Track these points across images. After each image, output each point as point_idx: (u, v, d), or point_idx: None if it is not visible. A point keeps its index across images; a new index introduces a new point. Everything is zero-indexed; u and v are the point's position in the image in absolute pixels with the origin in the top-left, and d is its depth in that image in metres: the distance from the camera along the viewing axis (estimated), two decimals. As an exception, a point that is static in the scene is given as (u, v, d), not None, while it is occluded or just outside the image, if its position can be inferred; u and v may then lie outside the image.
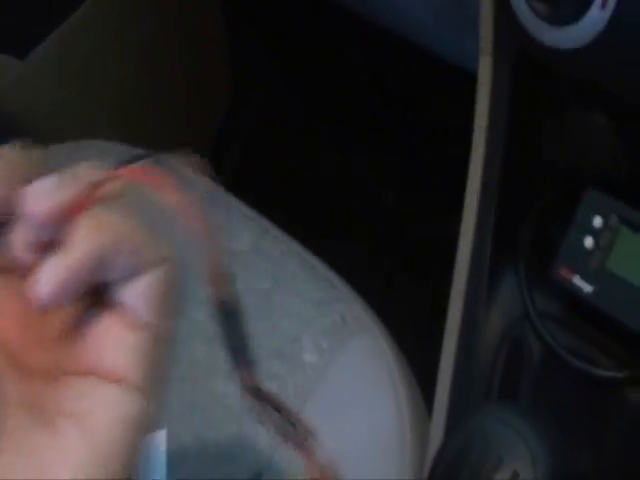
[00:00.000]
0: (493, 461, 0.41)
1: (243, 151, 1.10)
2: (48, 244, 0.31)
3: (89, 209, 0.32)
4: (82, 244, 0.32)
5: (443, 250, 0.67)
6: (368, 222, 1.03)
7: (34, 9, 0.87)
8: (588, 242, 0.52)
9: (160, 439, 0.64)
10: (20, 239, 0.31)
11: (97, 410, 0.33)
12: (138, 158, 0.34)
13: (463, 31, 0.65)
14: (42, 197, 0.31)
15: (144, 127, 0.98)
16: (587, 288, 0.52)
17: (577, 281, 0.52)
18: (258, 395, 0.39)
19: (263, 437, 0.61)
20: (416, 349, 0.65)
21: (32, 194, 0.31)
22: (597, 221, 0.52)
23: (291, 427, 0.39)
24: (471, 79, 0.63)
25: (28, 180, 0.32)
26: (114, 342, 0.33)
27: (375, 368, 0.62)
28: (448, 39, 0.72)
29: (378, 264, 0.97)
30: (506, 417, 0.42)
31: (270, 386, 0.63)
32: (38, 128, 0.92)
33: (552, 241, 0.55)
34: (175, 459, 0.63)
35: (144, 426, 0.34)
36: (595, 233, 0.52)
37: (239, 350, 0.40)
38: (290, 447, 0.37)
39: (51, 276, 0.31)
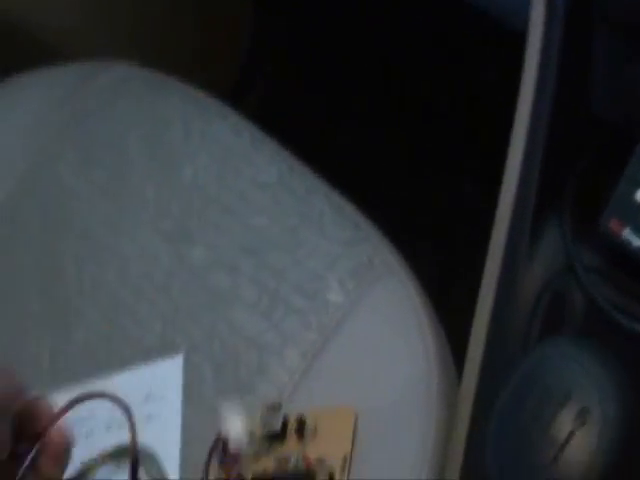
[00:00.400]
0: (560, 398, 0.40)
1: (266, 89, 1.08)
2: None
3: None
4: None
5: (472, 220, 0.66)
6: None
7: None
8: (640, 195, 0.51)
9: (177, 364, 0.63)
10: None
11: None
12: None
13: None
14: None
15: (163, 53, 0.96)
16: (637, 242, 0.50)
17: (626, 234, 0.51)
18: None
19: (284, 370, 0.60)
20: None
21: None
22: (650, 174, 0.51)
23: None
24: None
25: None
26: None
27: (403, 313, 0.60)
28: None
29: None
30: (571, 351, 0.41)
31: (292, 321, 0.62)
32: (57, 44, 0.90)
33: (599, 193, 0.54)
34: (192, 387, 0.62)
35: None
36: (648, 186, 0.51)
37: None
38: None
39: None
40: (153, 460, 0.60)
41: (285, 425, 0.57)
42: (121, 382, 0.63)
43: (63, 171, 0.74)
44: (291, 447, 0.57)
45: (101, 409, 0.63)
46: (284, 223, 0.67)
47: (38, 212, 0.74)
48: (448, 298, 0.70)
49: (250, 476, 0.56)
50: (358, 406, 0.57)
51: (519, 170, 0.57)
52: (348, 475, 0.54)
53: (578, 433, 0.40)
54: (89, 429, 0.63)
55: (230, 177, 0.70)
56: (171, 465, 0.59)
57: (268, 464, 0.56)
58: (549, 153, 0.56)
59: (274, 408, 0.58)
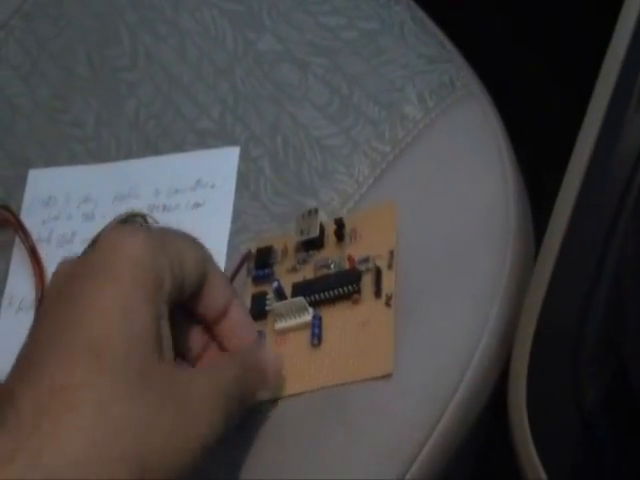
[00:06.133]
0: None
1: None
2: None
3: None
4: None
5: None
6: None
7: None
8: None
9: (233, 154, 0.57)
10: None
11: None
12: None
13: None
14: None
15: None
16: None
17: None
18: None
19: (350, 179, 0.54)
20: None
21: None
22: None
23: None
24: None
25: None
26: None
27: (483, 139, 0.54)
28: None
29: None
30: None
31: (363, 129, 0.56)
32: None
33: None
34: (248, 181, 0.56)
35: None
36: None
37: None
38: None
39: None
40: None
41: (322, 232, 0.51)
42: (171, 163, 0.57)
43: None
44: (331, 252, 0.51)
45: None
46: (362, 27, 0.60)
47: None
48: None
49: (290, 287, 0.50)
50: (428, 225, 0.51)
51: None
52: (396, 270, 0.49)
53: None
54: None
55: (305, -29, 0.63)
56: (219, 252, 0.53)
57: (308, 274, 0.51)
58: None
59: (310, 214, 0.51)
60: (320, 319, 0.49)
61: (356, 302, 0.49)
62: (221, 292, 0.45)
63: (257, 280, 0.52)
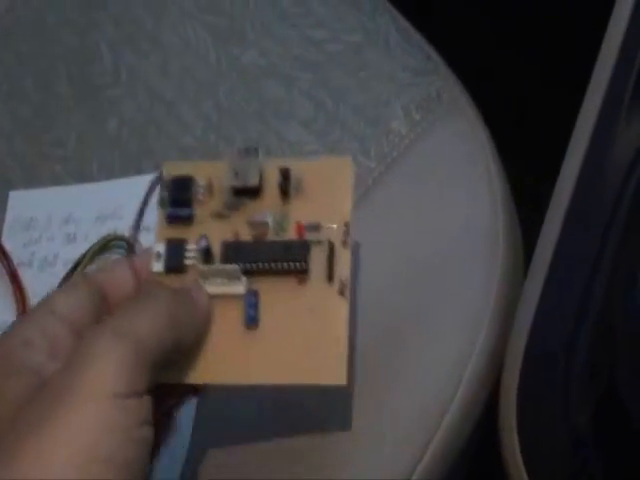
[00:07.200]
0: None
1: None
2: None
3: None
4: None
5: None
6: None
7: None
8: None
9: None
10: None
11: None
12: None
13: None
14: None
15: None
16: None
17: None
18: None
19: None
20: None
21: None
22: None
23: None
24: None
25: None
26: None
27: (471, 156, 0.54)
28: None
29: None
30: None
31: (349, 145, 0.56)
32: None
33: None
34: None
35: None
36: None
37: None
38: None
39: None
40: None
41: (261, 178, 0.42)
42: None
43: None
44: (270, 206, 0.42)
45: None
46: (347, 40, 0.59)
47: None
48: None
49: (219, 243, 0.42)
50: (416, 243, 0.51)
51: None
52: (351, 246, 0.41)
53: None
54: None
55: (290, -17, 0.62)
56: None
57: (240, 227, 0.42)
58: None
59: (248, 153, 0.42)
60: (256, 295, 0.41)
61: (302, 282, 0.41)
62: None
63: (172, 220, 0.43)
